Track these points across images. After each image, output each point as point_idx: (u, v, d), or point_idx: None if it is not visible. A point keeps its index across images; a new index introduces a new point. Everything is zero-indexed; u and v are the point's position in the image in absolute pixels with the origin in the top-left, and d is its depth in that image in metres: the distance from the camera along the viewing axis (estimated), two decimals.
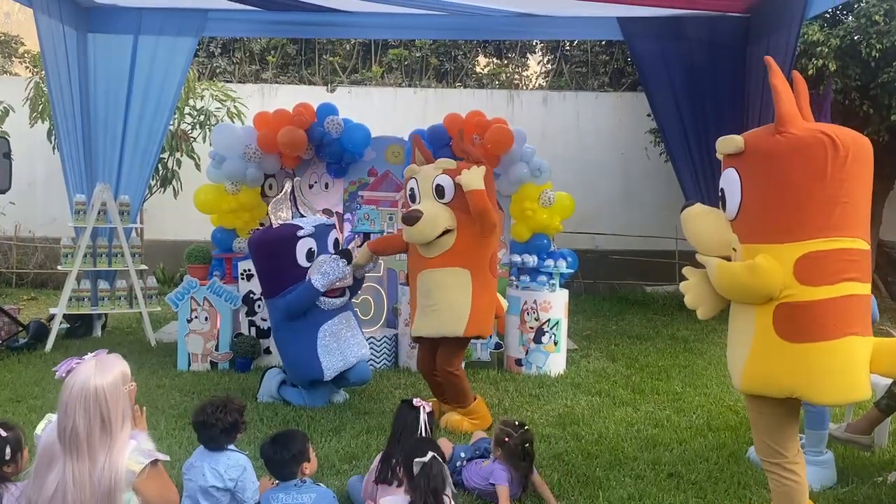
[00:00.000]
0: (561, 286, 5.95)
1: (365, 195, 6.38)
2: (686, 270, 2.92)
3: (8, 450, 2.58)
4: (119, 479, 2.21)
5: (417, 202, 4.42)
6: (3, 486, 2.54)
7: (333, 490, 3.16)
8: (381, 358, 5.81)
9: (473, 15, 7.10)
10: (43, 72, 6.94)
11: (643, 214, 10.40)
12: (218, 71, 11.53)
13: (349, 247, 5.60)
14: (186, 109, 9.13)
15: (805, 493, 2.80)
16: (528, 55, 12.67)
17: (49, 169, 9.18)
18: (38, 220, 9.85)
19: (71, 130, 6.55)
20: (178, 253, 8.11)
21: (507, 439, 3.33)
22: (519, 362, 5.72)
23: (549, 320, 5.66)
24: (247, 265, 5.75)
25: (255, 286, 5.63)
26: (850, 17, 7.60)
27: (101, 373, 2.25)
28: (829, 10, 7.36)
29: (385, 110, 10.20)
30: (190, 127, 9.27)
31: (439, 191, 4.33)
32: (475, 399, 4.46)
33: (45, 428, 2.43)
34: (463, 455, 3.54)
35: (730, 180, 2.67)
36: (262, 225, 6.21)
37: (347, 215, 6.42)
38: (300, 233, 4.60)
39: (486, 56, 12.70)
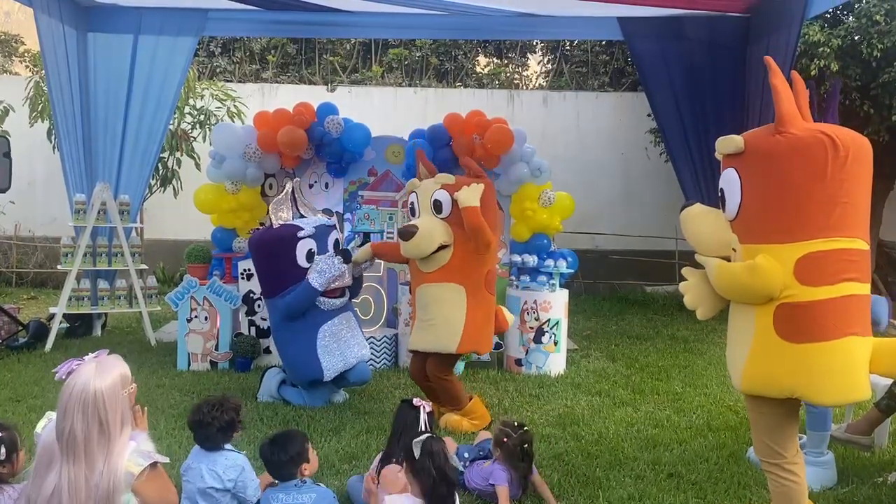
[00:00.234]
0: (561, 286, 5.95)
1: (365, 195, 6.38)
2: (685, 271, 2.92)
3: (2, 450, 2.57)
4: (118, 481, 2.20)
5: (417, 216, 4.44)
6: None
7: (333, 490, 3.16)
8: (381, 358, 5.81)
9: (474, 15, 7.10)
10: (43, 71, 6.94)
11: (643, 214, 10.40)
12: (218, 70, 11.53)
13: (349, 247, 5.60)
14: (186, 109, 9.13)
15: (804, 493, 2.80)
16: (529, 55, 12.67)
17: (49, 168, 9.17)
18: (37, 220, 9.85)
19: (71, 130, 6.55)
20: (178, 252, 8.11)
21: (505, 440, 3.33)
22: (519, 362, 5.72)
23: (549, 320, 5.66)
24: (247, 265, 5.75)
25: (254, 286, 5.63)
26: (851, 17, 7.60)
27: (100, 376, 2.24)
28: (830, 10, 7.36)
29: (385, 110, 10.20)
30: (190, 126, 9.27)
31: (437, 206, 4.35)
32: (470, 399, 4.46)
33: (46, 427, 2.42)
34: (466, 456, 3.54)
35: (729, 180, 2.67)
36: (261, 225, 6.21)
37: (347, 215, 6.42)
38: (300, 233, 4.60)
39: (486, 56, 12.70)
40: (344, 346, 4.68)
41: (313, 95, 8.48)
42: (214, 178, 6.18)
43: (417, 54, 11.94)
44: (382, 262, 5.97)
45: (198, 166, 8.91)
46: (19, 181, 7.39)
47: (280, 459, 2.93)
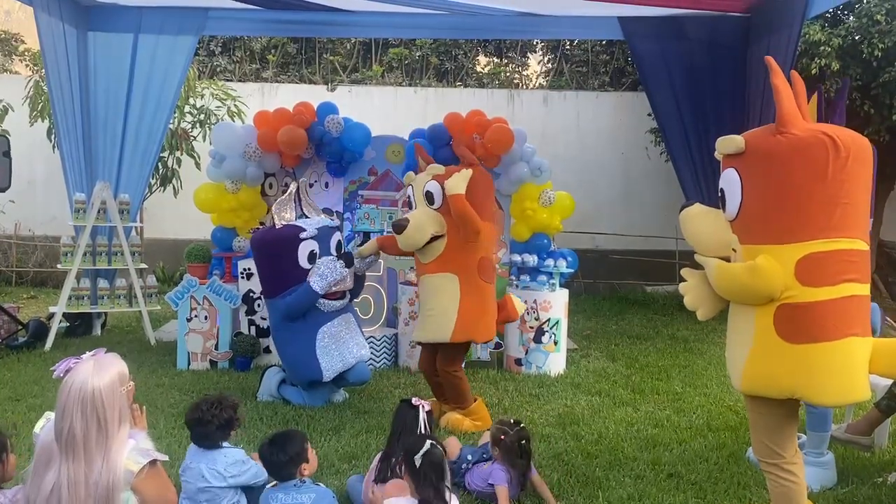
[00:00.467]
0: (561, 286, 5.95)
1: (365, 194, 6.37)
2: (685, 272, 2.91)
3: None
4: (117, 480, 2.20)
5: (414, 209, 4.48)
6: None
7: (333, 490, 3.16)
8: (381, 357, 5.81)
9: (474, 14, 7.09)
10: (43, 70, 6.94)
11: (643, 214, 10.40)
12: (218, 70, 11.53)
13: (349, 246, 5.60)
14: (186, 108, 9.13)
15: (803, 493, 2.79)
16: (529, 54, 12.67)
17: (49, 167, 9.17)
18: (37, 219, 9.84)
19: (71, 129, 6.55)
20: (178, 252, 8.10)
21: (503, 437, 3.33)
22: (519, 362, 5.72)
23: (549, 320, 5.66)
24: (246, 264, 5.75)
25: (254, 285, 5.63)
26: (852, 17, 7.60)
27: (98, 374, 2.24)
28: (830, 9, 7.35)
29: (385, 109, 10.20)
30: (190, 125, 9.27)
31: (429, 197, 4.40)
32: (475, 401, 4.47)
33: (44, 427, 2.42)
34: (469, 458, 3.53)
35: (730, 180, 2.66)
36: (261, 224, 6.21)
37: (347, 214, 6.42)
38: (303, 234, 4.59)
39: (486, 55, 12.70)
40: (343, 346, 4.67)
41: (313, 95, 8.48)
42: (214, 178, 6.18)
43: (417, 54, 11.94)
44: (382, 261, 5.98)
45: (198, 165, 8.92)
46: (19, 180, 7.38)
47: (279, 460, 2.93)
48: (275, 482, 3.01)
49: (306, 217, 4.85)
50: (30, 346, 6.08)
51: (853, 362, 2.54)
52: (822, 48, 7.14)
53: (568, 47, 12.22)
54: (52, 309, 6.55)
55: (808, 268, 2.49)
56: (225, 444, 3.03)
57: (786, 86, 2.58)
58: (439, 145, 6.12)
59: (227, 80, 10.60)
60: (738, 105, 6.64)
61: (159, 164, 8.70)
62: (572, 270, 6.09)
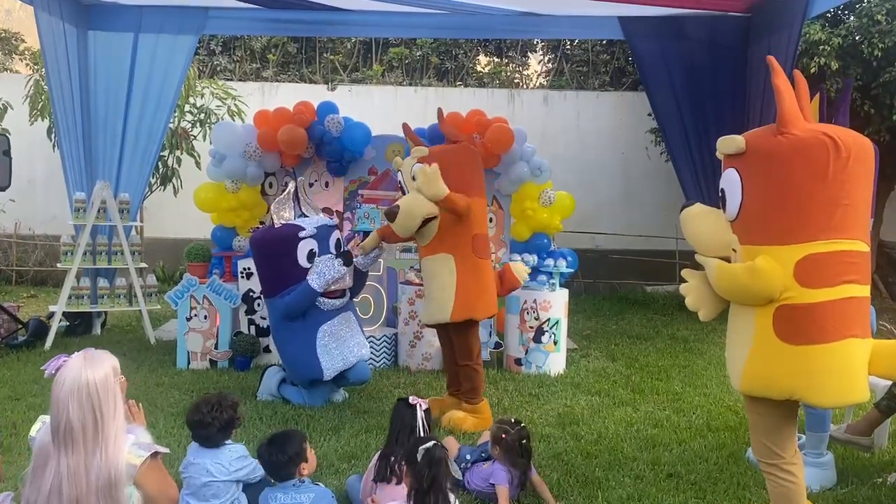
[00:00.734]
0: (561, 286, 5.95)
1: (365, 194, 6.37)
2: (686, 273, 2.91)
3: None
4: (119, 472, 2.21)
5: (406, 193, 4.53)
6: None
7: (332, 489, 3.16)
8: (381, 357, 5.81)
9: (475, 14, 7.09)
10: (43, 69, 6.93)
11: (643, 214, 10.40)
12: (218, 69, 11.53)
13: (348, 246, 5.59)
14: (187, 107, 9.13)
15: (803, 493, 2.79)
16: (529, 54, 12.67)
17: (49, 167, 9.17)
18: (37, 218, 9.84)
19: (71, 128, 6.54)
20: (178, 251, 8.10)
21: (503, 436, 3.33)
22: (518, 362, 5.72)
23: (548, 320, 5.66)
24: (246, 263, 5.75)
25: (254, 284, 5.63)
26: (852, 17, 7.60)
27: (91, 367, 2.26)
28: (831, 9, 7.35)
29: (385, 109, 10.19)
30: (190, 125, 9.27)
31: (416, 180, 4.41)
32: (483, 400, 4.50)
33: (40, 429, 2.43)
34: (468, 457, 3.53)
35: (730, 181, 2.66)
36: (261, 223, 6.21)
37: (347, 214, 6.42)
38: (302, 233, 4.59)
39: (486, 55, 12.70)
40: (343, 345, 4.67)
41: (314, 94, 8.48)
42: (214, 177, 6.18)
43: (418, 53, 11.94)
44: (382, 261, 5.99)
45: (198, 165, 8.92)
46: (19, 179, 7.37)
47: (279, 460, 2.94)
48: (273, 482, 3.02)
49: (305, 216, 4.85)
50: (30, 345, 6.08)
51: (852, 364, 2.53)
52: (821, 48, 7.14)
53: (568, 47, 12.22)
54: (51, 308, 6.55)
55: (807, 269, 2.49)
56: (227, 441, 3.06)
57: (787, 86, 2.58)
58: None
59: (228, 80, 10.60)
60: (739, 105, 6.64)
61: (159, 163, 8.70)
62: (572, 270, 6.09)
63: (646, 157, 10.25)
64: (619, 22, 6.98)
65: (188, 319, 5.63)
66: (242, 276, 5.78)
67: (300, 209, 4.86)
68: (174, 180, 9.17)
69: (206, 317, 5.64)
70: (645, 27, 6.95)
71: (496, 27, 7.69)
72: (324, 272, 4.54)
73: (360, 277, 4.90)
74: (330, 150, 6.18)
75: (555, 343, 5.69)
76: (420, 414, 3.20)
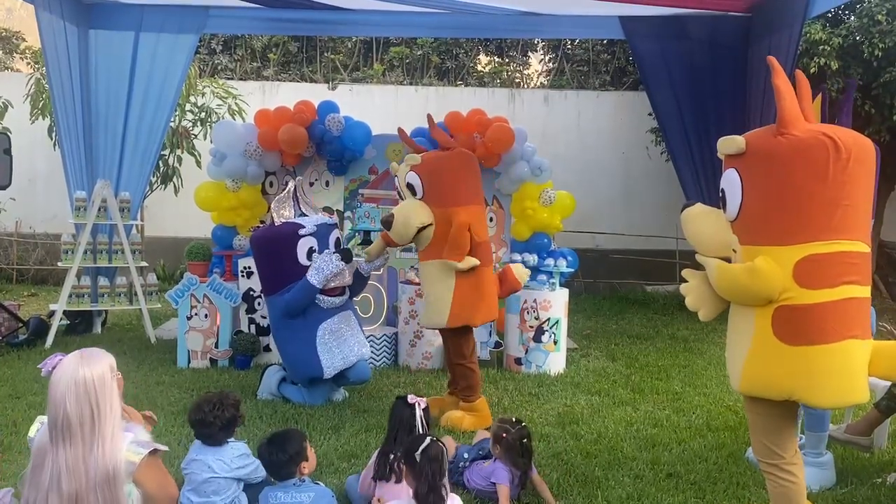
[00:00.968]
0: (561, 285, 5.95)
1: (365, 193, 6.38)
2: (686, 273, 2.91)
3: None
4: (117, 468, 2.21)
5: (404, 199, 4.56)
6: None
7: (332, 488, 3.16)
8: (381, 356, 5.81)
9: (476, 13, 7.09)
10: (44, 68, 6.93)
11: (644, 214, 10.40)
12: (219, 68, 11.53)
13: (348, 245, 5.60)
14: (187, 106, 9.13)
15: (803, 493, 2.79)
16: (530, 54, 12.67)
17: (50, 165, 9.18)
18: (38, 217, 9.85)
19: (72, 127, 6.55)
20: (179, 250, 8.11)
21: (504, 435, 3.34)
22: (518, 361, 5.72)
23: (548, 319, 5.66)
24: (247, 262, 5.75)
25: (254, 283, 5.63)
26: (853, 17, 7.60)
27: (87, 363, 2.27)
28: (831, 9, 7.35)
29: (386, 108, 10.20)
30: (191, 124, 9.28)
31: (410, 188, 4.44)
32: (480, 398, 4.50)
33: (39, 430, 2.43)
34: (466, 456, 3.54)
35: (730, 181, 2.66)
36: (262, 222, 6.21)
37: (348, 213, 6.42)
38: (302, 231, 4.60)
39: (487, 54, 12.70)
40: (343, 344, 4.68)
41: (314, 93, 8.49)
42: (215, 176, 6.19)
43: (419, 53, 11.95)
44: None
45: (198, 164, 8.92)
46: (20, 178, 7.38)
47: (279, 459, 2.94)
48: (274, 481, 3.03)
49: (305, 215, 4.86)
50: (30, 344, 6.09)
51: (852, 365, 2.53)
52: (822, 48, 7.14)
53: (569, 47, 12.22)
54: (52, 307, 6.55)
55: (806, 270, 2.49)
56: (229, 439, 3.08)
57: (787, 86, 2.57)
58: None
59: (228, 79, 10.60)
60: (739, 105, 6.63)
61: (160, 162, 8.70)
62: (572, 270, 6.09)
63: (646, 156, 10.25)
64: (620, 21, 6.98)
65: (188, 318, 5.63)
66: (243, 275, 5.79)
67: (300, 208, 4.87)
68: (175, 179, 9.17)
69: (206, 316, 5.64)
70: (645, 27, 6.95)
71: (497, 27, 7.69)
72: (322, 267, 4.55)
73: (360, 278, 4.90)
74: (330, 149, 6.18)
75: (555, 342, 5.69)
76: (419, 413, 3.21)
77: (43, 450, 2.25)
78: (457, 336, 4.48)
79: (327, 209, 6.26)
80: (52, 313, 6.44)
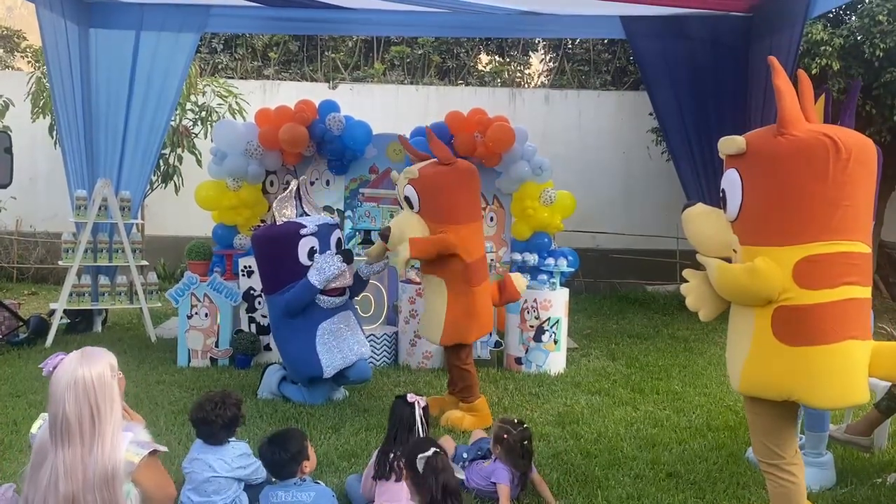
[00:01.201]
0: (561, 285, 5.95)
1: (366, 192, 6.37)
2: (687, 273, 2.91)
3: None
4: (116, 468, 2.21)
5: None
6: None
7: (332, 488, 3.16)
8: (381, 355, 5.81)
9: (477, 13, 7.09)
10: (45, 67, 6.93)
11: (644, 213, 10.39)
12: (220, 67, 11.53)
13: (349, 244, 5.60)
14: (188, 105, 9.13)
15: (803, 493, 2.79)
16: (531, 53, 12.66)
17: (50, 164, 9.18)
18: (39, 215, 9.85)
19: (72, 126, 6.55)
20: (179, 249, 8.11)
21: (505, 436, 3.34)
22: (519, 361, 5.72)
23: (549, 319, 5.66)
24: (247, 261, 5.75)
25: (255, 283, 5.64)
26: (854, 17, 7.59)
27: (87, 363, 2.27)
28: (833, 9, 7.34)
29: (387, 108, 10.19)
30: (191, 123, 9.27)
31: (408, 202, 4.44)
32: (479, 398, 4.50)
33: (41, 427, 2.43)
34: (465, 455, 3.54)
35: (731, 181, 2.66)
36: (262, 222, 6.21)
37: (348, 213, 6.42)
38: (303, 231, 4.60)
39: (488, 54, 12.69)
40: (343, 343, 4.68)
41: (315, 93, 8.49)
42: (216, 175, 6.19)
43: (419, 52, 11.94)
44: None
45: (199, 163, 8.92)
46: (21, 177, 7.39)
47: (282, 458, 2.95)
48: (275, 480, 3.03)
49: (307, 215, 4.86)
50: (30, 343, 6.09)
51: (851, 365, 2.53)
52: (823, 48, 7.13)
53: (570, 46, 12.21)
54: (52, 305, 6.55)
55: (806, 270, 2.49)
56: (231, 439, 3.08)
57: (788, 86, 2.57)
58: None
59: (229, 78, 10.59)
60: (740, 105, 6.63)
61: (160, 161, 8.70)
62: (573, 269, 6.09)
63: (647, 156, 10.25)
64: (621, 21, 6.98)
65: (189, 317, 5.63)
66: (243, 274, 5.79)
67: (302, 208, 4.87)
68: (175, 178, 9.17)
69: (206, 315, 5.65)
70: (646, 26, 6.95)
71: (498, 26, 7.69)
72: (323, 269, 4.55)
73: (360, 280, 4.90)
74: (331, 148, 6.18)
75: (555, 342, 5.69)
76: (418, 412, 3.21)
77: (44, 448, 2.26)
78: (454, 346, 4.50)
79: (328, 208, 6.26)
80: (52, 312, 6.44)
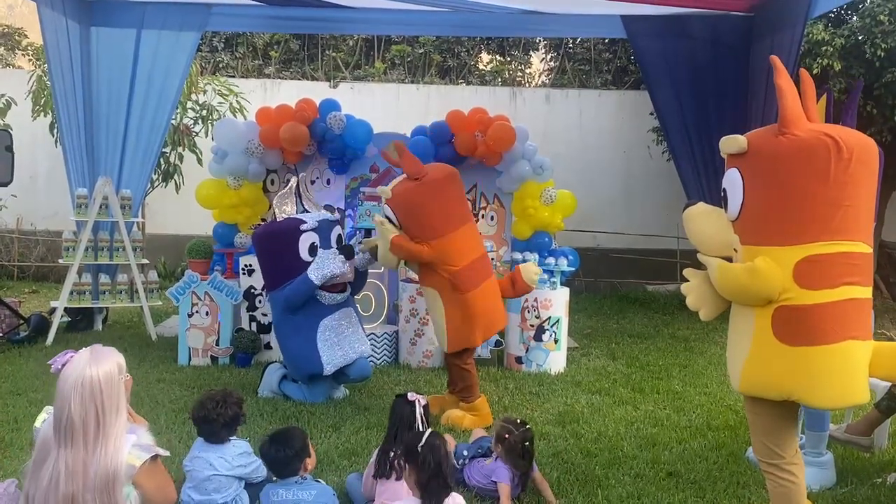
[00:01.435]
0: (562, 284, 5.95)
1: (366, 191, 6.36)
2: (688, 272, 2.91)
3: None
4: (118, 470, 2.21)
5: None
6: None
7: (333, 486, 3.17)
8: (382, 354, 5.81)
9: (478, 12, 7.09)
10: (46, 65, 6.94)
11: (645, 213, 10.39)
12: (220, 65, 11.53)
13: (350, 243, 5.59)
14: (189, 104, 9.13)
15: (803, 493, 2.79)
16: (531, 52, 12.66)
17: (51, 162, 9.18)
18: (39, 214, 9.85)
19: (73, 124, 6.55)
20: (180, 247, 8.11)
21: (507, 436, 3.33)
22: (519, 360, 5.73)
23: (549, 318, 5.66)
24: (248, 260, 5.76)
25: (256, 281, 5.64)
26: (855, 17, 7.59)
27: (95, 363, 2.26)
28: (834, 9, 7.34)
29: (387, 107, 10.20)
30: (192, 121, 9.27)
31: (390, 220, 4.48)
32: (479, 397, 4.50)
33: (45, 420, 2.44)
34: (465, 453, 3.54)
35: (732, 181, 2.66)
36: (263, 220, 6.22)
37: (349, 211, 6.42)
38: (303, 227, 4.60)
39: (489, 53, 12.69)
40: (344, 340, 4.68)
41: (316, 91, 8.48)
42: (216, 174, 6.19)
43: (420, 51, 11.94)
44: None
45: (200, 161, 8.92)
46: (21, 175, 7.39)
47: (285, 455, 2.95)
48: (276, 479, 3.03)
49: (307, 211, 4.87)
50: (31, 341, 6.09)
51: (851, 365, 2.53)
52: (824, 48, 7.13)
53: (570, 46, 12.21)
54: (53, 303, 6.56)
55: (806, 270, 2.48)
56: (231, 437, 3.09)
57: (790, 86, 2.57)
58: (441, 143, 6.13)
59: (230, 76, 10.59)
60: (741, 104, 6.63)
61: (161, 159, 8.70)
62: (573, 269, 6.09)
63: (647, 156, 10.25)
64: (622, 21, 6.98)
65: (189, 316, 5.64)
66: (244, 273, 5.79)
67: (302, 205, 4.88)
68: (176, 177, 9.17)
69: (207, 313, 5.65)
70: (647, 26, 6.95)
71: (499, 25, 7.69)
72: (323, 265, 4.55)
73: (360, 276, 4.90)
74: (332, 147, 6.18)
75: (555, 341, 5.69)
76: (419, 410, 3.22)
77: (47, 445, 2.26)
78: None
79: (328, 207, 6.26)
80: (52, 310, 6.45)
